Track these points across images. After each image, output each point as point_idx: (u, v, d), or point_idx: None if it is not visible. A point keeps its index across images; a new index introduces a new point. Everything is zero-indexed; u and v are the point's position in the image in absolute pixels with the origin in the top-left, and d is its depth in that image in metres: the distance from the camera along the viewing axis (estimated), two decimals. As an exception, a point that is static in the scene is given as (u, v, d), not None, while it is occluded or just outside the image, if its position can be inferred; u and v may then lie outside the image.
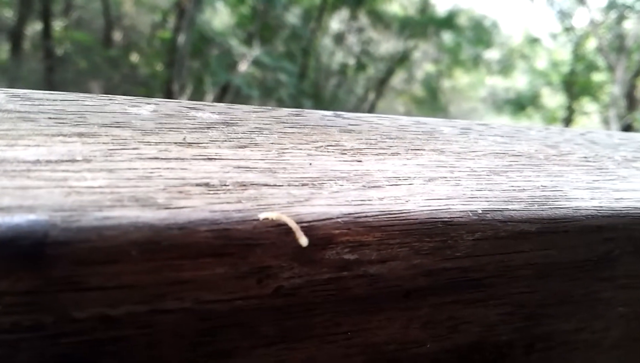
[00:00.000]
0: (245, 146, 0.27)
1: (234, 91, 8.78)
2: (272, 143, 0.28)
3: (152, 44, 9.86)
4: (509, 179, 0.31)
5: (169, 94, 7.78)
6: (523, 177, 0.32)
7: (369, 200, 0.25)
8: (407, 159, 0.30)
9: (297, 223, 0.22)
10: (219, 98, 8.72)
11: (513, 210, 0.28)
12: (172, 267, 0.21)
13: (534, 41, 11.40)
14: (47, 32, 8.27)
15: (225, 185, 0.23)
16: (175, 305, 0.21)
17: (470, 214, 0.26)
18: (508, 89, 11.85)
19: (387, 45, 11.03)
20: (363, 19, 10.55)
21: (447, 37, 10.93)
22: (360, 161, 0.28)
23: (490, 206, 0.27)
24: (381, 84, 10.97)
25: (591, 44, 9.93)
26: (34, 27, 8.83)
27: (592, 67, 10.10)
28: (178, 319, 0.22)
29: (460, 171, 0.30)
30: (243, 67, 8.96)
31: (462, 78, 12.32)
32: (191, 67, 9.05)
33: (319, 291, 0.24)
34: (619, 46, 8.70)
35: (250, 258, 0.22)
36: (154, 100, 0.29)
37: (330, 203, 0.24)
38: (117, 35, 9.92)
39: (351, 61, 10.92)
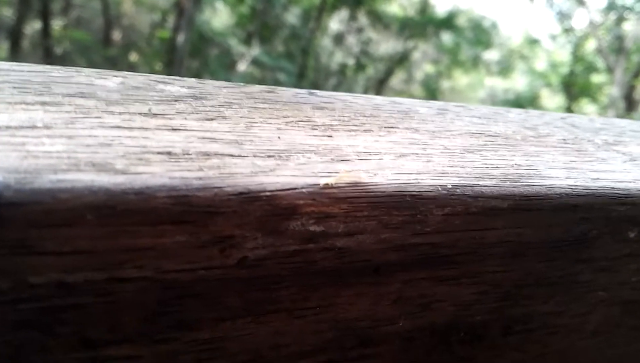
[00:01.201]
0: (212, 119, 0.26)
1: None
2: (241, 117, 0.27)
3: (151, 44, 9.87)
4: (482, 157, 0.31)
5: (167, 94, 7.73)
6: (498, 156, 0.31)
7: (337, 172, 0.25)
8: (380, 136, 0.30)
9: (260, 192, 0.22)
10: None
11: (484, 186, 0.27)
12: (129, 233, 0.20)
13: (533, 42, 11.41)
14: (46, 31, 8.28)
15: (187, 154, 0.23)
16: (135, 274, 0.21)
17: (440, 189, 0.26)
18: (507, 90, 11.86)
19: (386, 45, 11.03)
20: (362, 19, 10.55)
21: (446, 37, 10.94)
22: (330, 136, 0.28)
23: (461, 181, 0.27)
24: (380, 85, 10.97)
25: (590, 45, 9.94)
26: (33, 26, 8.84)
27: (591, 68, 10.10)
28: (138, 288, 0.21)
29: (433, 149, 0.30)
30: (242, 66, 8.96)
31: (461, 79, 12.32)
32: (190, 66, 9.05)
33: (285, 264, 0.24)
34: (618, 48, 8.70)
35: (211, 227, 0.22)
36: (122, 73, 0.28)
37: (296, 174, 0.23)
38: (116, 35, 9.93)
39: (350, 61, 10.92)
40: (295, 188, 0.23)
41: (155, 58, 9.58)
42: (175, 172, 0.21)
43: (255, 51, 9.05)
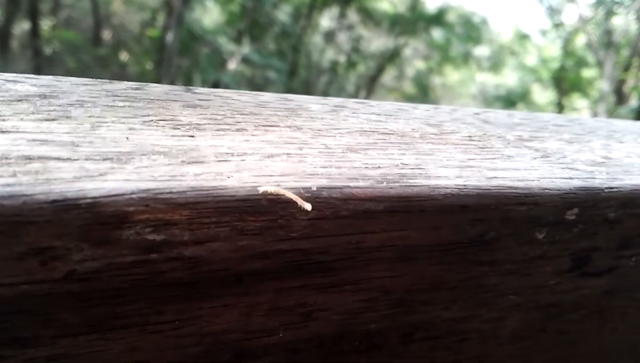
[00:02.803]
0: (53, 119, 0.24)
1: (224, 88, 8.72)
2: (89, 116, 0.25)
3: (141, 43, 9.82)
4: (366, 156, 0.29)
5: (157, 93, 7.71)
6: (384, 155, 0.30)
7: (181, 176, 0.23)
8: (253, 135, 0.28)
9: (79, 199, 0.20)
10: (209, 96, 8.64)
11: (356, 188, 0.25)
12: None
13: (523, 38, 11.41)
14: (35, 31, 8.22)
15: (6, 158, 0.21)
16: None
17: (303, 192, 0.24)
18: (498, 85, 11.85)
19: (377, 42, 11.01)
20: (353, 17, 10.53)
21: (437, 34, 10.92)
22: (192, 137, 0.26)
23: (330, 183, 0.25)
24: (372, 82, 10.95)
25: (580, 40, 9.95)
26: (22, 27, 8.77)
27: (581, 63, 10.11)
28: None
29: (311, 149, 0.28)
30: (232, 65, 8.92)
31: (452, 75, 12.31)
32: (181, 65, 9.00)
33: (124, 276, 0.22)
34: (607, 42, 8.70)
35: (24, 238, 0.20)
36: None
37: (130, 178, 0.22)
38: (106, 34, 9.88)
39: (342, 59, 10.89)
40: (123, 194, 0.21)
41: (146, 57, 9.54)
42: None
43: (245, 49, 9.01)
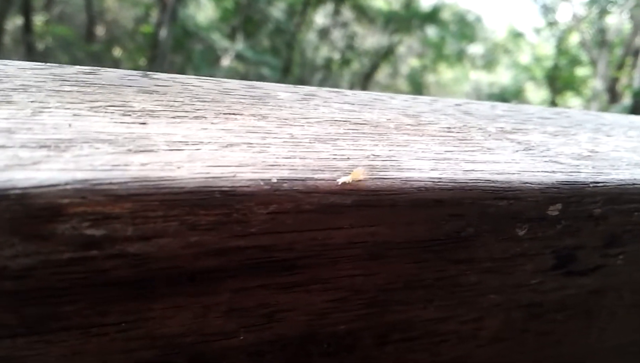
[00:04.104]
0: None
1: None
2: (31, 101, 0.23)
3: (134, 39, 9.77)
4: (334, 147, 0.27)
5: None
6: (355, 146, 0.28)
7: (125, 165, 0.21)
8: (212, 123, 0.26)
9: (7, 190, 0.18)
10: (202, 93, 8.61)
11: (321, 180, 0.23)
12: None
13: (517, 36, 11.41)
14: (28, 27, 8.16)
15: None
16: None
17: (262, 184, 0.22)
18: (492, 83, 11.85)
19: (371, 39, 10.99)
20: (347, 14, 10.50)
21: (431, 31, 10.90)
22: (144, 124, 0.24)
23: (292, 175, 0.23)
24: (366, 79, 10.92)
25: (574, 39, 9.96)
26: (15, 22, 8.70)
27: (575, 61, 10.12)
28: None
29: (276, 138, 0.26)
30: (226, 61, 8.88)
31: (446, 73, 12.30)
32: (174, 61, 8.95)
33: (62, 274, 0.20)
34: (601, 41, 8.72)
35: None
36: None
37: (66, 168, 0.20)
38: (100, 30, 9.82)
39: (336, 56, 10.87)
40: (56, 185, 0.19)
41: (139, 53, 9.48)
42: None
43: (239, 45, 8.97)
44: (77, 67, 0.28)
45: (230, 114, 0.28)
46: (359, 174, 0.24)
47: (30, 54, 7.94)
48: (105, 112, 0.24)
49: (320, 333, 0.28)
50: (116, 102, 0.25)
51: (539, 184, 0.30)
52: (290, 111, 0.30)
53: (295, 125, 0.28)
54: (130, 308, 0.22)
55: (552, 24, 10.14)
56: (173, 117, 0.26)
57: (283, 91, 0.33)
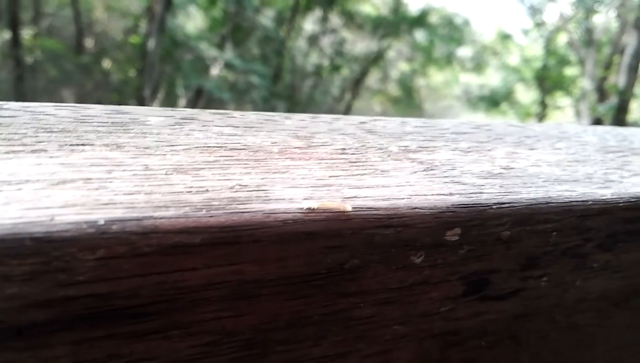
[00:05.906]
0: None
1: (208, 94, 8.68)
2: None
3: (124, 50, 9.74)
4: (194, 178, 0.25)
5: (140, 100, 7.67)
6: (221, 175, 0.26)
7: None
8: (51, 157, 0.25)
9: None
10: (192, 102, 8.62)
11: (161, 218, 0.22)
12: None
13: (505, 38, 11.44)
14: (16, 40, 8.13)
15: None
16: None
17: (85, 227, 0.20)
18: (482, 86, 11.87)
19: (361, 45, 10.99)
20: (336, 20, 10.51)
21: (420, 35, 10.93)
22: None
23: (126, 214, 0.21)
24: (357, 85, 10.93)
25: (562, 39, 10.00)
26: (2, 36, 8.66)
27: (564, 61, 10.15)
28: None
29: (124, 171, 0.25)
30: (215, 70, 8.86)
31: (436, 76, 12.32)
32: (163, 72, 8.93)
33: None
34: (588, 40, 8.75)
35: None
36: None
37: None
38: (89, 42, 9.79)
39: (326, 62, 10.87)
40: None
41: (128, 64, 9.45)
42: None
43: (228, 54, 8.96)
44: None
45: (78, 145, 0.26)
46: (332, 203, 0.25)
47: (19, 68, 7.91)
48: None
49: None
50: None
51: (431, 209, 0.28)
52: (156, 138, 0.28)
53: (155, 154, 0.27)
54: None
55: (539, 24, 10.18)
56: (6, 152, 0.24)
57: (155, 116, 0.31)
